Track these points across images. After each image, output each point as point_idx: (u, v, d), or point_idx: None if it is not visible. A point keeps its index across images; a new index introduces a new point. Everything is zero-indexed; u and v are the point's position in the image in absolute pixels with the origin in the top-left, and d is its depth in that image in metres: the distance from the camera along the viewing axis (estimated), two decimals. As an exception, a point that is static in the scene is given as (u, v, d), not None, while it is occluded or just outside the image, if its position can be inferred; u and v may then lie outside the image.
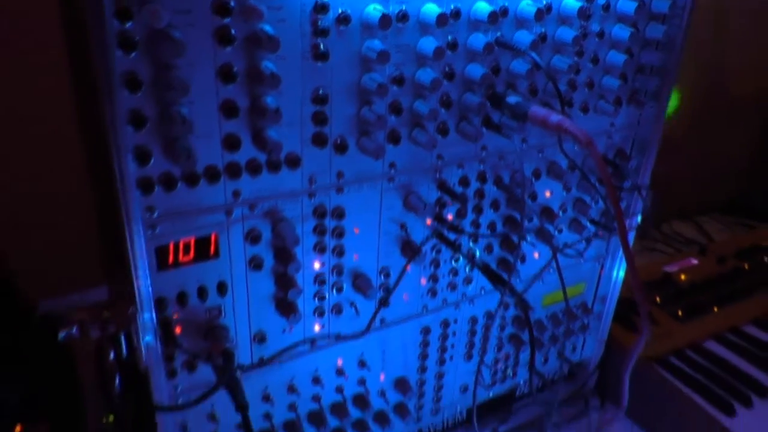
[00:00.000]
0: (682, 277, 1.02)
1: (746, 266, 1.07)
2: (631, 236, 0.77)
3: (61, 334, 0.48)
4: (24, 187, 0.73)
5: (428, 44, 0.51)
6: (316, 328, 0.60)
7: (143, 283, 0.47)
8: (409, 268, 0.61)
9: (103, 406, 0.62)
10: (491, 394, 0.80)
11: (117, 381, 0.50)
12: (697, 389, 0.80)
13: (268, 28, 0.44)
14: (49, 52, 0.67)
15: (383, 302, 0.61)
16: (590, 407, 0.87)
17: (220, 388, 0.51)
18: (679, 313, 0.93)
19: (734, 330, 0.92)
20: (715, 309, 0.95)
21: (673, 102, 1.28)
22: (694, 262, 1.07)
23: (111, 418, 0.62)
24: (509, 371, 0.80)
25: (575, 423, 0.85)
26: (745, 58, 1.32)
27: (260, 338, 0.56)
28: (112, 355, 0.48)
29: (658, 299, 0.96)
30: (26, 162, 0.73)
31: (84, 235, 0.72)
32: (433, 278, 0.66)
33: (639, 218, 0.74)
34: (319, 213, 0.54)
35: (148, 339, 0.49)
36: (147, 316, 0.48)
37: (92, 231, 0.72)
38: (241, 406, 0.50)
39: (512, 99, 0.56)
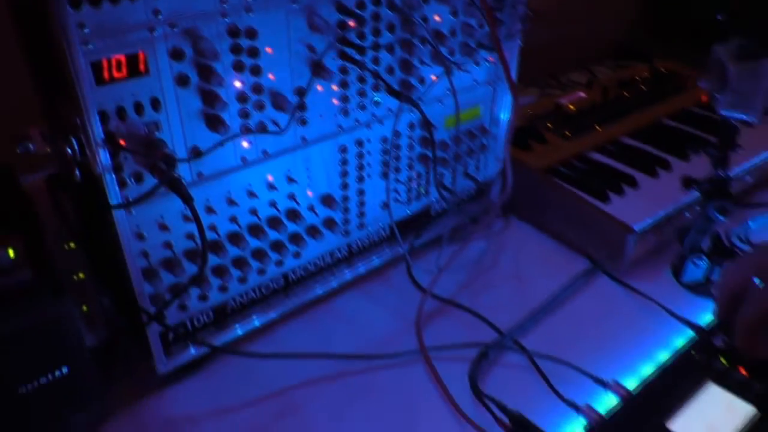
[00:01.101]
0: (571, 107, 1.16)
1: (626, 94, 1.21)
2: (515, 54, 0.87)
3: (19, 148, 0.55)
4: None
5: None
6: (245, 144, 0.69)
7: (87, 94, 0.54)
8: (321, 88, 0.71)
9: (63, 234, 0.70)
10: (409, 212, 0.92)
11: (76, 177, 0.57)
12: (579, 186, 0.94)
13: None
14: None
15: (299, 119, 0.71)
16: (494, 220, 1.01)
17: (164, 187, 0.59)
18: (567, 133, 1.07)
19: (612, 141, 1.07)
20: (598, 128, 1.10)
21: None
22: (582, 95, 1.21)
23: (72, 244, 0.70)
24: (422, 189, 0.92)
25: (481, 235, 0.99)
26: None
27: (196, 153, 0.65)
28: (69, 152, 0.55)
29: (549, 125, 1.10)
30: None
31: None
32: (344, 99, 0.75)
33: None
34: (233, 32, 0.61)
35: (97, 149, 0.56)
36: (93, 129, 0.56)
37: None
38: (186, 198, 0.59)
39: None
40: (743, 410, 0.62)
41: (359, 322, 0.83)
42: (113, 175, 0.59)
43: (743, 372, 0.66)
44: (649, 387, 0.66)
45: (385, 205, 0.88)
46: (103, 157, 0.57)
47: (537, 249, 0.97)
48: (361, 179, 0.83)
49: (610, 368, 0.73)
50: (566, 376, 0.73)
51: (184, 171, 0.65)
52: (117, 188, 0.60)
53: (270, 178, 0.73)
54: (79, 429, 0.66)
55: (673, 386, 0.65)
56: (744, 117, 0.72)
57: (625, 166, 1.00)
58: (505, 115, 0.94)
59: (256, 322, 0.79)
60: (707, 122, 1.13)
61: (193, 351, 0.74)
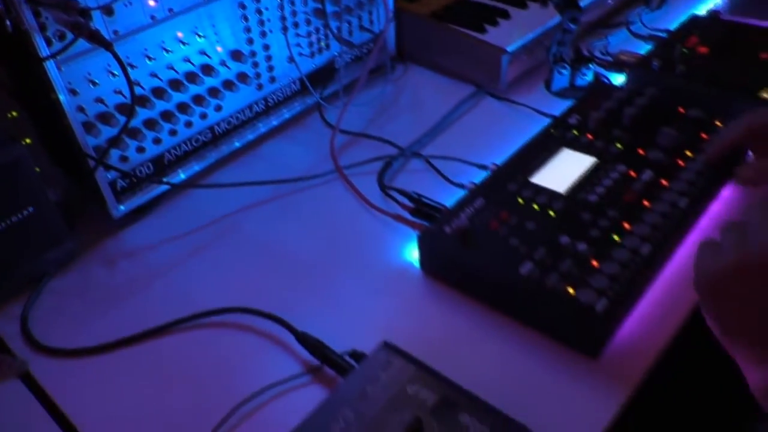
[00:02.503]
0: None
1: (501, -55, 1.33)
2: None
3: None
4: None
5: None
6: (151, 3, 0.78)
7: (-1, -45, 0.62)
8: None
9: (5, 104, 0.79)
10: (314, 65, 1.04)
11: (8, 29, 0.66)
12: (459, 23, 1.07)
13: None
14: None
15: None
16: (392, 66, 1.14)
17: (85, 39, 0.69)
18: (449, -17, 1.19)
19: (489, -15, 1.20)
20: (476, -25, 1.22)
21: None
22: (462, -50, 1.31)
23: (15, 113, 0.80)
24: (323, 43, 1.03)
25: (383, 80, 1.12)
26: None
27: (108, 11, 0.74)
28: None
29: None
30: None
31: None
32: (233, -44, 0.85)
33: None
34: None
35: (21, 8, 0.65)
36: (12, -10, 0.64)
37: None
38: (106, 44, 0.69)
39: None
40: (587, 161, 0.79)
41: (284, 160, 0.96)
42: (39, 34, 0.68)
43: (589, 136, 0.83)
44: (515, 157, 0.82)
45: (291, 59, 0.99)
46: (28, 15, 0.66)
47: (432, 85, 1.11)
48: (263, 34, 0.93)
49: (492, 158, 0.88)
50: (456, 169, 0.89)
51: (101, 28, 0.74)
52: (45, 45, 0.69)
53: (180, 34, 0.83)
54: (52, 264, 0.78)
55: (535, 154, 0.81)
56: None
57: (498, 3, 1.13)
58: (387, -33, 1.05)
59: (193, 169, 0.91)
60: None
61: (141, 195, 0.86)
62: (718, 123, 0.83)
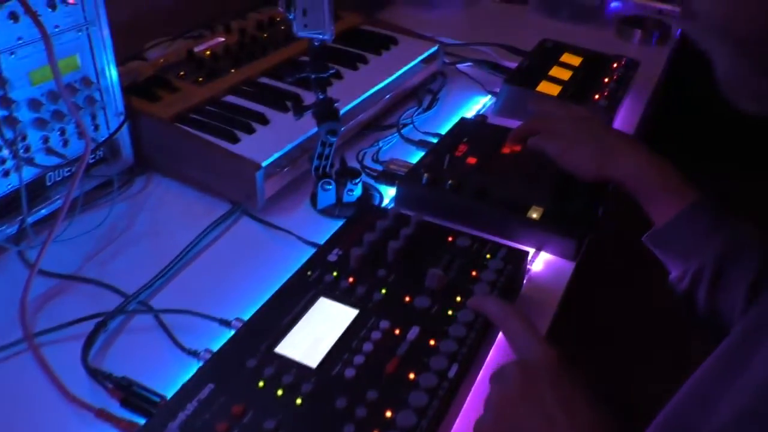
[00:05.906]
0: (207, 53, 1.12)
1: (264, 36, 1.20)
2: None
3: None
4: None
5: None
6: None
7: None
8: None
9: None
10: (9, 187, 0.80)
11: None
12: (207, 130, 0.91)
13: None
14: None
15: None
16: (131, 183, 0.94)
17: None
18: (200, 79, 1.03)
19: (248, 82, 1.06)
20: (233, 70, 1.07)
21: None
22: (221, 39, 1.17)
23: None
24: (21, 158, 0.80)
25: (114, 197, 0.91)
26: None
27: None
28: None
29: (182, 73, 1.04)
30: None
31: None
32: None
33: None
34: None
35: None
36: None
37: None
38: None
39: None
40: (348, 314, 0.65)
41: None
42: None
43: (351, 280, 0.70)
44: (262, 312, 0.65)
45: (-29, 183, 0.75)
46: None
47: (179, 202, 0.92)
48: None
49: (245, 304, 0.71)
50: (193, 326, 0.70)
51: None
52: None
53: None
54: None
55: (287, 307, 0.66)
56: (319, 35, 0.74)
57: (257, 105, 0.99)
58: (110, 64, 0.86)
59: None
60: (343, 55, 1.17)
61: None
62: (488, 255, 0.74)
